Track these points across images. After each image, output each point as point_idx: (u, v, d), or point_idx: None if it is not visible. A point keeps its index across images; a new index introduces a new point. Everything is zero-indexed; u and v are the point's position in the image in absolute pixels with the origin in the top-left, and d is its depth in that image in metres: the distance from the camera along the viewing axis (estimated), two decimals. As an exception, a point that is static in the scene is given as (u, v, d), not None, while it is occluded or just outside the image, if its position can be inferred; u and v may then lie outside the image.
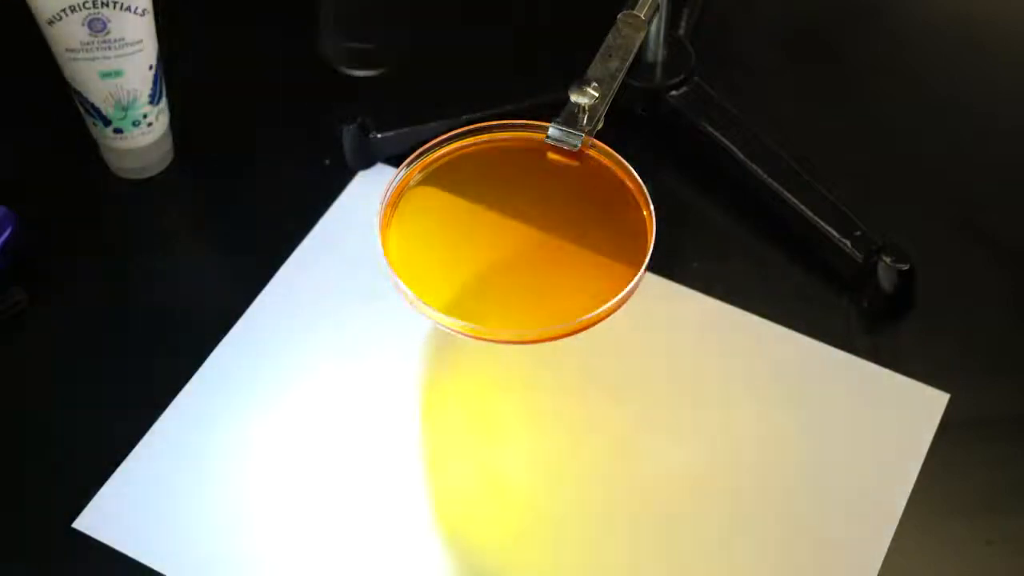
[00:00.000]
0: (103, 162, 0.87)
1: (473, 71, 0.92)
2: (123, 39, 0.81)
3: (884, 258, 0.78)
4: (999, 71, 0.92)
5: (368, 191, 0.86)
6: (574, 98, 0.74)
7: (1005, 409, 0.77)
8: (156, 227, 0.87)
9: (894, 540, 0.72)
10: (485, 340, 0.69)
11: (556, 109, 0.74)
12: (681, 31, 0.89)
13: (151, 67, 0.83)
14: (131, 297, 0.83)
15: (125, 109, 0.83)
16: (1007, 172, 0.87)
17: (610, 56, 0.78)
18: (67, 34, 0.80)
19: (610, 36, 0.79)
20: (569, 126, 0.74)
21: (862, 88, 0.92)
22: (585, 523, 0.73)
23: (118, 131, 0.84)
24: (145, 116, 0.84)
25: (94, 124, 0.85)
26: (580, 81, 0.74)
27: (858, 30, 0.96)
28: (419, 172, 0.75)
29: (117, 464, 0.75)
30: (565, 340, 0.69)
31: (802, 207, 0.82)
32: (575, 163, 0.75)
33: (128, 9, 0.80)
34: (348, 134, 0.86)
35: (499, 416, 0.77)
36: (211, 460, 0.76)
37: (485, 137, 0.76)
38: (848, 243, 0.80)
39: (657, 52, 0.86)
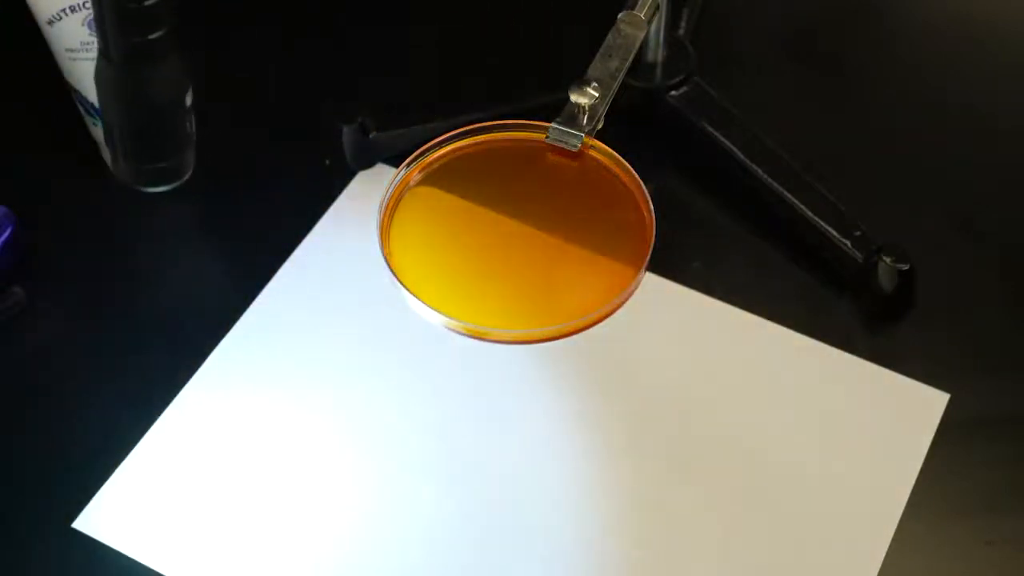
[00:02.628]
0: (103, 162, 0.87)
1: (474, 71, 0.92)
2: (123, 39, 0.81)
3: (884, 258, 0.78)
4: (999, 71, 0.92)
5: (368, 191, 0.86)
6: (574, 98, 0.74)
7: (1005, 409, 0.77)
8: (156, 227, 0.87)
9: (894, 540, 0.72)
10: (485, 340, 0.69)
11: (556, 109, 0.74)
12: (681, 31, 0.89)
13: (151, 67, 0.83)
14: (131, 297, 0.83)
15: (125, 109, 0.83)
16: (1007, 172, 0.87)
17: (610, 56, 0.78)
18: (67, 34, 0.80)
19: (610, 36, 0.79)
20: (569, 126, 0.74)
21: (862, 88, 0.92)
22: (583, 522, 0.73)
23: (118, 131, 0.84)
24: (145, 116, 0.84)
25: (94, 124, 0.85)
26: (580, 81, 0.74)
27: (858, 30, 0.95)
28: (419, 172, 0.74)
29: (117, 464, 0.75)
30: (565, 340, 0.69)
31: (802, 207, 0.82)
32: (575, 163, 0.74)
33: (128, 9, 0.80)
34: (348, 134, 0.86)
35: (498, 416, 0.77)
36: (211, 460, 0.76)
37: (485, 137, 0.75)
38: (848, 243, 0.80)
39: (657, 52, 0.86)
